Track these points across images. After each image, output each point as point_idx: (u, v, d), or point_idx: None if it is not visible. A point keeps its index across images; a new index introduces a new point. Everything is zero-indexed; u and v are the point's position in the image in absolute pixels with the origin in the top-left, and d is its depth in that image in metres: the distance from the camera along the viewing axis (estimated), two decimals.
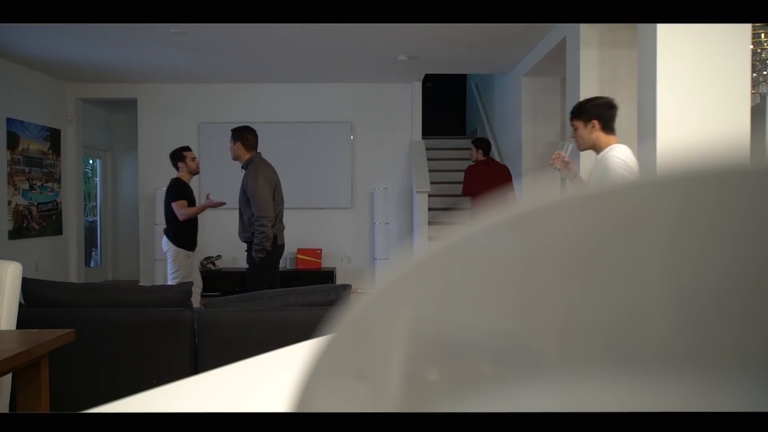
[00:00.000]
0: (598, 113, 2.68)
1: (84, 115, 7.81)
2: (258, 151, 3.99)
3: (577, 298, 0.15)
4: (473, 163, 6.01)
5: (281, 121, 7.43)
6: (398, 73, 7.01)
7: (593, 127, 2.68)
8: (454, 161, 7.92)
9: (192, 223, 4.53)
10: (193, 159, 4.59)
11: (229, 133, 4.01)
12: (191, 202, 4.53)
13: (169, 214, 4.45)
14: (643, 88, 3.48)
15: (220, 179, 7.63)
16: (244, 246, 3.99)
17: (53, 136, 7.16)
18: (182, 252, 4.46)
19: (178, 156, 4.56)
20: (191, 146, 7.67)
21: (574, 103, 4.65)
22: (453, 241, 0.16)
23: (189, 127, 7.67)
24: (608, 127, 2.69)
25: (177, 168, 4.56)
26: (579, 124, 2.73)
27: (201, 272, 7.34)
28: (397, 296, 0.17)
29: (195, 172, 4.61)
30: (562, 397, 0.15)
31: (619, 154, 2.59)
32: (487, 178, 5.78)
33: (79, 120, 7.63)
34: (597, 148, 2.71)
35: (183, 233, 4.45)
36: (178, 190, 4.44)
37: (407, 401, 0.17)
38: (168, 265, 4.51)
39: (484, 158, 5.97)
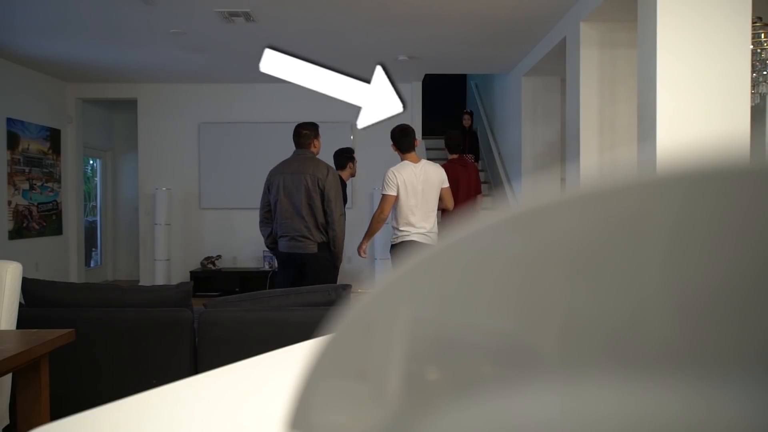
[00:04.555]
0: (395, 140, 3.90)
1: (84, 115, 7.82)
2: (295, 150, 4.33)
3: (577, 298, 0.15)
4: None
5: (281, 121, 7.43)
6: (398, 73, 7.01)
7: (395, 149, 3.93)
8: None
9: None
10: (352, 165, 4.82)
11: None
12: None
13: None
14: (643, 88, 3.48)
15: (219, 179, 7.64)
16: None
17: (53, 136, 7.16)
18: None
19: (350, 157, 4.81)
20: (191, 146, 7.72)
21: (575, 103, 4.69)
22: (453, 241, 0.16)
23: (189, 127, 7.67)
24: (402, 149, 3.88)
25: (344, 167, 4.76)
26: (393, 146, 3.97)
27: (201, 272, 7.39)
28: (397, 296, 0.17)
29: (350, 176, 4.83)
30: (562, 397, 0.15)
31: (394, 168, 3.83)
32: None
33: (79, 120, 7.63)
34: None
35: None
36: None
37: (407, 401, 0.17)
38: None
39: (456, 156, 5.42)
